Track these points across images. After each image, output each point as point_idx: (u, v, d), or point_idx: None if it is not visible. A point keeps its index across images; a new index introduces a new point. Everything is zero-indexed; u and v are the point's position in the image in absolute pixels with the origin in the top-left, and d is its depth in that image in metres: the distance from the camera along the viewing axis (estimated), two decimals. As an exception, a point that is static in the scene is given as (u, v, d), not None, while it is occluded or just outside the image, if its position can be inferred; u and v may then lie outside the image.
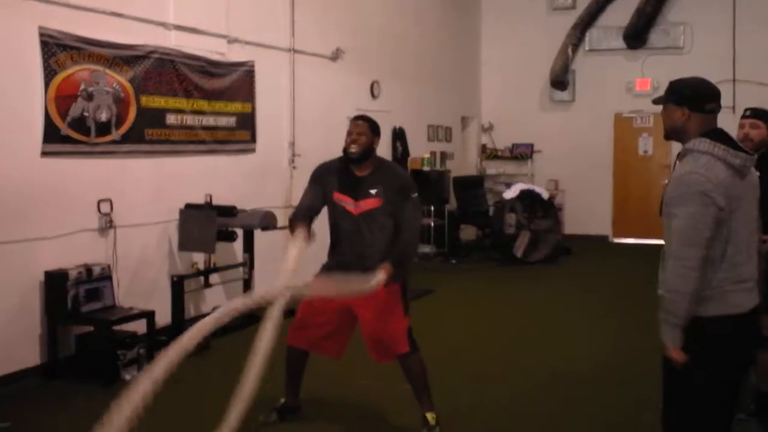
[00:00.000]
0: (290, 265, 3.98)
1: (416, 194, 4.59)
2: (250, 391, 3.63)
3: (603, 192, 14.00)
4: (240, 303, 3.54)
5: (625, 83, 13.77)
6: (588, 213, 13.84)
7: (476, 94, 14.62)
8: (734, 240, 3.07)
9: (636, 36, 13.45)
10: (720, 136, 3.12)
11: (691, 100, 3.17)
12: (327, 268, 4.70)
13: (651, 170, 13.80)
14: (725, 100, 12.65)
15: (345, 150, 4.56)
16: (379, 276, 4.26)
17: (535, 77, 14.19)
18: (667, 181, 3.15)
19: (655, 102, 3.41)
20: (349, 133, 4.54)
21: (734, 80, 12.88)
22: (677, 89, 3.24)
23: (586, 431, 4.71)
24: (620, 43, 13.66)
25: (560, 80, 13.88)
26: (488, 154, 14.56)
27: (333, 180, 4.62)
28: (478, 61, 14.75)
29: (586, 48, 14.01)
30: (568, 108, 14.13)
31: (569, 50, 13.82)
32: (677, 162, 3.26)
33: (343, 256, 4.64)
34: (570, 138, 13.85)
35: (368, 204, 4.53)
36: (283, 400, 4.88)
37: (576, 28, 13.88)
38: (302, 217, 4.53)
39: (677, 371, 3.10)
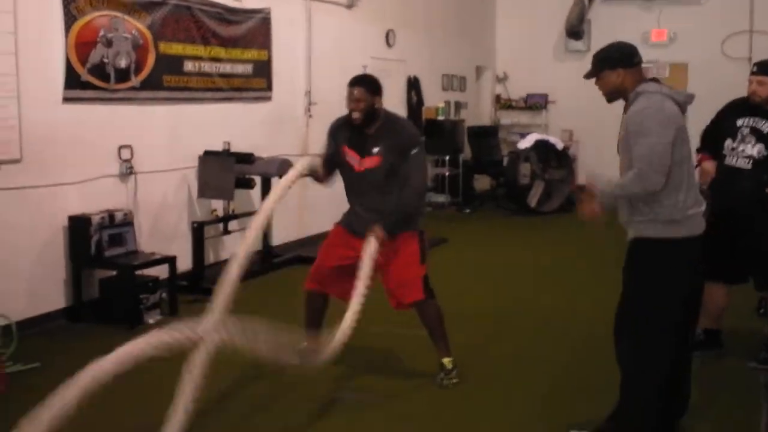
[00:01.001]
0: (271, 199, 4.21)
1: (417, 150, 4.55)
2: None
3: (615, 143, 13.96)
4: (155, 340, 3.41)
5: (641, 34, 13.60)
6: (602, 163, 13.72)
7: (491, 43, 14.51)
8: (688, 165, 3.55)
9: (652, -15, 13.30)
10: (658, 82, 3.61)
11: (621, 60, 3.62)
12: (343, 223, 4.80)
13: (665, 121, 13.76)
14: (742, 51, 12.67)
15: (348, 115, 4.58)
16: (371, 244, 4.35)
17: (551, 27, 14.06)
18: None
19: (588, 76, 3.75)
20: (348, 100, 4.53)
21: (751, 31, 12.76)
22: (606, 56, 3.66)
23: (594, 367, 4.80)
24: (637, -7, 13.52)
25: (576, 30, 13.75)
26: (502, 104, 14.51)
27: (344, 135, 4.65)
28: (494, 11, 14.62)
29: (602, -3, 13.88)
30: (583, 58, 13.95)
31: (585, 0, 13.69)
32: (626, 110, 3.64)
33: (355, 213, 4.72)
34: (584, 88, 13.61)
35: (370, 162, 4.57)
36: (305, 344, 4.97)
37: (592, -23, 13.72)
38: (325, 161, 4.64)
39: (643, 285, 3.57)
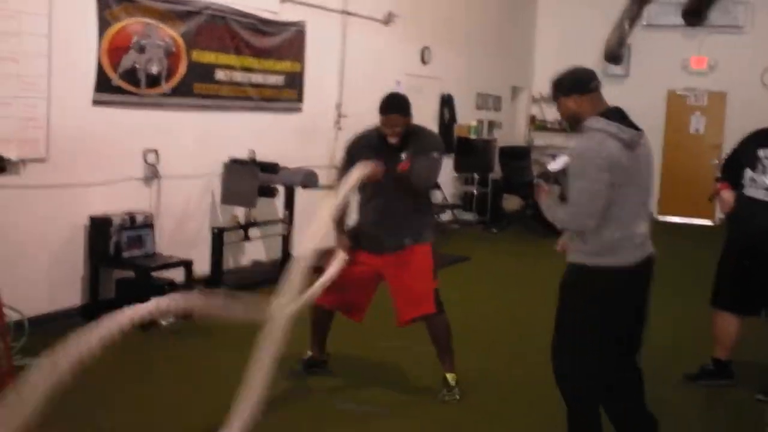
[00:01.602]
0: (318, 229, 4.21)
1: (437, 154, 4.62)
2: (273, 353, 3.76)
3: (651, 169, 13.86)
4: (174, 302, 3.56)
5: (681, 60, 13.57)
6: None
7: (529, 64, 14.51)
8: (627, 203, 3.51)
9: (695, 13, 13.17)
10: (614, 114, 3.55)
11: (574, 88, 3.62)
12: (361, 246, 4.77)
13: (701, 149, 13.62)
14: (783, 80, 12.25)
15: (384, 138, 4.60)
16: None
17: (590, 51, 13.96)
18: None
19: (553, 100, 3.77)
20: (386, 126, 4.55)
21: (792, 63, 12.63)
22: (560, 83, 3.68)
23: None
24: (678, 20, 13.33)
25: (615, 54, 13.67)
26: (537, 125, 14.49)
27: (367, 152, 4.62)
28: (533, 32, 14.64)
29: (644, 23, 13.78)
30: (621, 83, 13.94)
31: (626, 24, 13.61)
32: None
33: (376, 231, 4.71)
34: None
35: (401, 168, 4.60)
36: (309, 354, 5.03)
37: (634, 2, 13.63)
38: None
39: (570, 308, 3.66)
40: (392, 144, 4.58)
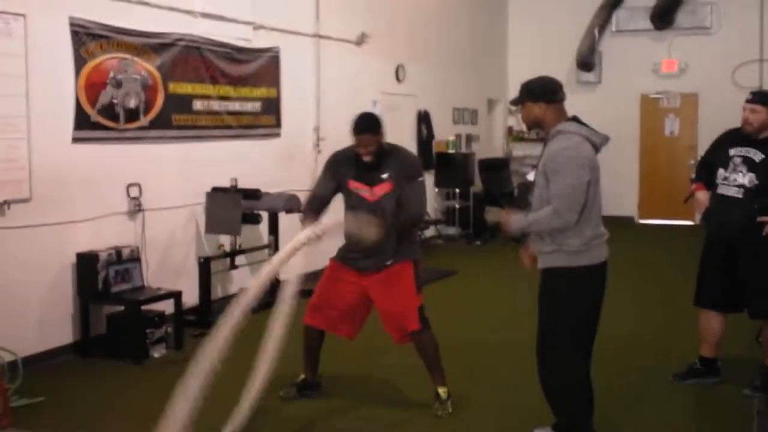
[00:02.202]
0: (288, 249, 4.33)
1: (422, 179, 4.73)
2: (267, 371, 3.85)
3: (629, 173, 14.00)
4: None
5: (652, 64, 13.75)
6: (614, 194, 13.76)
7: (503, 76, 14.65)
8: (597, 203, 3.84)
9: (663, 16, 13.39)
10: (580, 122, 3.88)
11: (544, 95, 3.87)
12: (341, 259, 4.86)
13: (677, 151, 13.79)
14: (752, 80, 12.71)
15: (358, 157, 4.68)
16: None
17: (562, 59, 14.14)
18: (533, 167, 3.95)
19: (513, 103, 4.08)
20: (359, 146, 4.64)
21: (761, 60, 12.81)
22: (530, 89, 3.91)
23: (600, 410, 4.82)
24: (647, 24, 13.60)
25: (586, 61, 13.88)
26: (514, 136, 14.61)
27: (348, 169, 4.75)
28: (505, 44, 14.80)
29: (613, 29, 13.99)
30: (594, 89, 14.12)
31: (596, 31, 13.81)
32: (546, 144, 3.91)
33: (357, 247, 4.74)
34: (596, 119, 13.27)
35: (382, 189, 4.67)
36: (302, 377, 5.07)
37: (603, 9, 13.85)
38: (312, 210, 4.72)
39: (555, 311, 3.88)
40: (367, 162, 4.66)
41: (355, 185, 4.74)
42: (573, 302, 3.86)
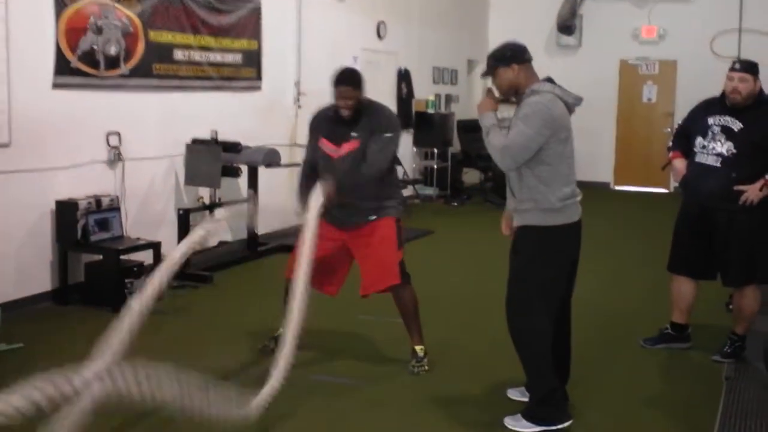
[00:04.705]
0: (308, 243, 4.25)
1: (392, 135, 4.66)
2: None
3: (606, 139, 14.07)
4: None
5: (632, 30, 13.76)
6: (590, 160, 13.87)
7: (483, 37, 14.57)
8: (569, 162, 3.90)
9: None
10: (553, 82, 3.92)
11: (514, 57, 3.93)
12: (323, 217, 4.83)
13: (654, 118, 13.87)
14: (731, 49, 12.71)
15: (336, 111, 4.66)
16: (314, 196, 4.41)
17: (543, 22, 14.14)
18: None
19: (485, 74, 4.05)
20: (338, 98, 4.60)
21: (740, 30, 12.87)
22: (500, 55, 3.96)
23: (573, 373, 4.91)
24: (628, -11, 13.59)
25: (567, 25, 13.85)
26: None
27: (323, 127, 4.76)
28: (487, 4, 14.71)
29: (595, -7, 13.95)
30: (574, 53, 14.12)
31: (577, -6, 13.78)
32: (519, 105, 3.91)
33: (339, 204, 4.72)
34: (575, 84, 13.39)
35: (348, 146, 4.65)
36: (281, 330, 5.09)
37: (585, -28, 13.79)
38: (308, 186, 4.65)
39: (528, 267, 3.93)
40: (345, 117, 4.63)
41: (324, 143, 4.74)
42: (546, 260, 3.91)
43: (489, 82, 4.10)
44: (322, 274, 4.82)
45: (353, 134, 4.65)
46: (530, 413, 3.98)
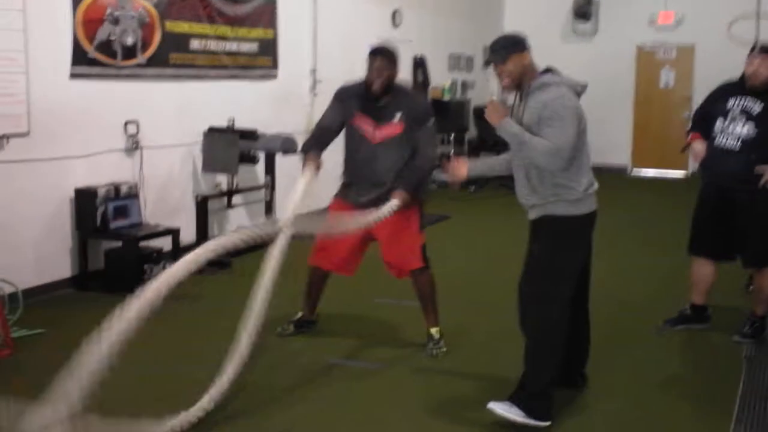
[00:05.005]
0: (297, 196, 4.27)
1: (432, 122, 4.69)
2: (260, 311, 3.90)
3: (623, 124, 14.01)
4: (239, 236, 3.82)
5: (648, 15, 13.67)
6: (608, 144, 13.85)
7: (499, 23, 14.55)
8: (587, 151, 3.88)
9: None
10: (553, 71, 3.87)
11: (524, 44, 3.87)
12: (341, 196, 4.87)
13: (671, 103, 13.79)
14: (748, 34, 12.58)
15: (367, 85, 4.63)
16: (393, 203, 4.45)
17: (558, 8, 14.10)
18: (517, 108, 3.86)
19: (495, 60, 3.85)
20: (369, 70, 4.59)
21: (758, 14, 12.74)
22: (516, 40, 3.87)
23: (593, 356, 4.89)
24: (645, -26, 13.50)
25: (583, 11, 13.80)
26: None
27: (355, 102, 4.69)
28: (502, -9, 14.69)
29: (611, -22, 13.88)
30: (590, 40, 14.06)
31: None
32: (521, 100, 3.86)
33: (357, 185, 4.77)
34: (592, 70, 13.65)
35: (390, 130, 4.63)
36: (300, 314, 5.14)
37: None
38: (314, 145, 4.69)
39: (550, 256, 3.87)
40: (375, 94, 4.59)
41: (360, 120, 4.67)
42: (570, 249, 3.89)
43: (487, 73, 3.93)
44: (341, 256, 4.84)
45: (396, 116, 4.60)
46: (523, 403, 3.81)
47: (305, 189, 4.38)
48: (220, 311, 5.57)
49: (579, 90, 3.86)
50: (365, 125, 4.67)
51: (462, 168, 4.12)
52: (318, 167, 4.62)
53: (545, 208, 3.85)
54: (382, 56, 4.60)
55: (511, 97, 3.98)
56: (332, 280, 5.09)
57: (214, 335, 5.00)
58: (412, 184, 4.58)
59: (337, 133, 4.81)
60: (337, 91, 4.84)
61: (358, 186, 4.76)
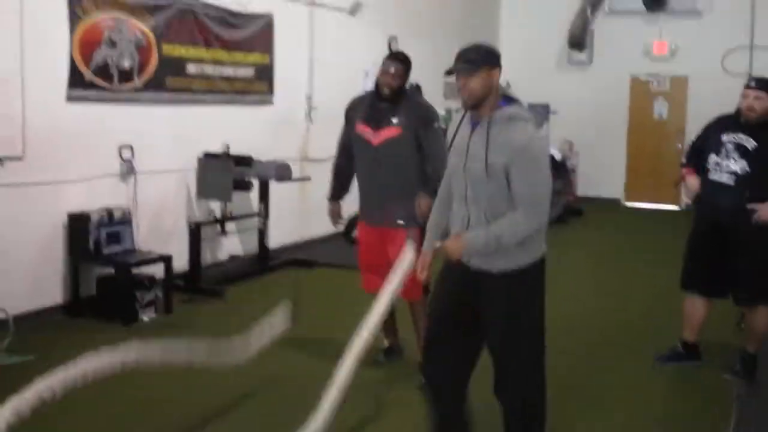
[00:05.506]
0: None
1: (437, 125, 4.65)
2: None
3: (617, 155, 14.02)
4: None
5: (643, 46, 13.74)
6: (601, 176, 13.89)
7: (494, 52, 14.61)
8: None
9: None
10: (511, 96, 3.33)
11: (499, 59, 3.29)
12: (361, 217, 4.89)
13: (665, 135, 13.82)
14: (742, 65, 12.61)
15: (378, 87, 4.62)
16: (407, 248, 4.30)
17: (554, 38, 14.13)
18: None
19: (464, 71, 3.24)
20: (384, 73, 4.58)
21: (751, 46, 12.84)
22: (491, 52, 3.28)
23: (583, 391, 4.87)
24: (639, 5, 13.55)
25: (578, 41, 13.84)
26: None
27: (359, 112, 4.71)
28: (498, 20, 14.73)
29: (606, 9, 13.94)
30: (585, 69, 14.10)
31: (589, 11, 13.77)
32: (473, 127, 3.28)
33: (366, 195, 4.79)
34: (586, 100, 13.84)
35: (388, 133, 4.60)
36: (386, 342, 5.10)
37: (596, -12, 13.79)
38: (335, 189, 4.88)
39: (524, 310, 3.30)
40: (385, 98, 4.58)
41: (361, 128, 4.68)
42: (542, 297, 3.39)
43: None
44: (372, 275, 4.78)
45: (394, 120, 4.59)
46: None
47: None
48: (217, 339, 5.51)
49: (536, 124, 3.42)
50: (366, 130, 4.67)
51: (458, 246, 3.28)
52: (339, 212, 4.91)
53: (509, 261, 3.25)
54: (400, 63, 4.61)
55: (456, 120, 3.45)
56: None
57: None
58: (432, 188, 4.37)
59: (353, 144, 4.83)
60: (346, 109, 4.90)
61: (368, 197, 4.78)
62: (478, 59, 3.23)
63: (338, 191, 5.02)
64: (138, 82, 6.63)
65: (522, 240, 3.20)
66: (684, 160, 5.39)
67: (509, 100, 3.29)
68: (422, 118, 4.62)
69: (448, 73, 3.35)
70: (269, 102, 8.37)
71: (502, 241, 3.16)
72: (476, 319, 3.36)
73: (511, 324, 3.31)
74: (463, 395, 3.52)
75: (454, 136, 3.40)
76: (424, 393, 3.61)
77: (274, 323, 4.31)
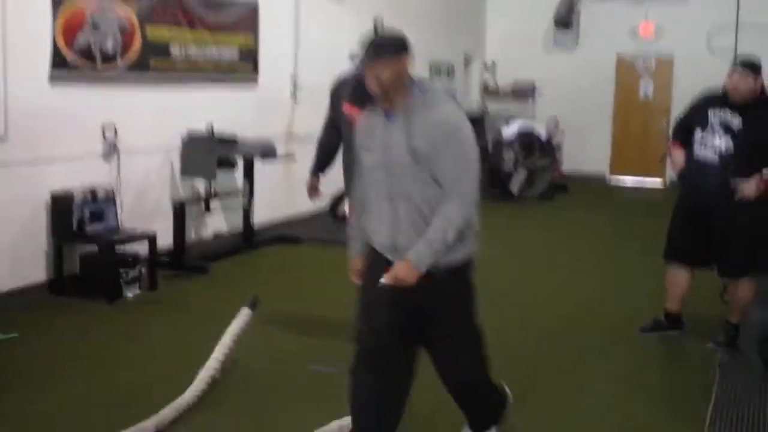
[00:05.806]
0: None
1: None
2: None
3: (603, 134, 14.11)
4: None
5: (629, 27, 13.79)
6: (586, 153, 13.97)
7: (480, 31, 14.65)
8: None
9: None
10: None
11: (407, 46, 3.14)
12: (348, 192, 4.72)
13: (650, 114, 13.91)
14: (727, 46, 12.67)
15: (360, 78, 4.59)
16: None
17: (541, 17, 14.18)
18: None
19: (376, 58, 3.05)
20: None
21: (737, 26, 12.90)
22: (399, 39, 3.14)
23: (570, 362, 4.96)
24: (626, -15, 13.62)
25: (565, 21, 13.89)
26: (489, 92, 14.64)
27: (345, 91, 4.60)
28: (484, 2, 14.75)
29: (593, -10, 13.99)
30: (572, 49, 14.16)
31: (575, -8, 13.81)
32: (389, 117, 3.11)
33: (351, 172, 4.70)
34: (572, 80, 13.90)
35: None
36: None
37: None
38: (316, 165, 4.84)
39: (468, 302, 3.25)
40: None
41: (348, 108, 4.51)
42: (474, 296, 3.30)
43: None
44: None
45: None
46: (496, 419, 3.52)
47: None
48: (202, 315, 5.61)
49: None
50: (353, 110, 4.52)
51: (408, 270, 3.04)
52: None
53: (447, 258, 3.07)
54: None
55: (372, 115, 3.21)
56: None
57: (197, 337, 5.00)
58: None
59: (338, 145, 4.83)
60: (331, 88, 4.86)
61: (354, 175, 4.72)
62: (385, 48, 3.07)
63: (320, 165, 5.00)
64: (121, 63, 6.67)
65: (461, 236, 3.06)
66: (671, 134, 5.47)
67: (423, 86, 3.14)
68: None
69: (373, 58, 3.06)
70: (254, 82, 8.41)
71: (448, 238, 3.00)
72: (411, 320, 3.18)
73: (454, 313, 3.23)
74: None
75: (364, 132, 3.21)
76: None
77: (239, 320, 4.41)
